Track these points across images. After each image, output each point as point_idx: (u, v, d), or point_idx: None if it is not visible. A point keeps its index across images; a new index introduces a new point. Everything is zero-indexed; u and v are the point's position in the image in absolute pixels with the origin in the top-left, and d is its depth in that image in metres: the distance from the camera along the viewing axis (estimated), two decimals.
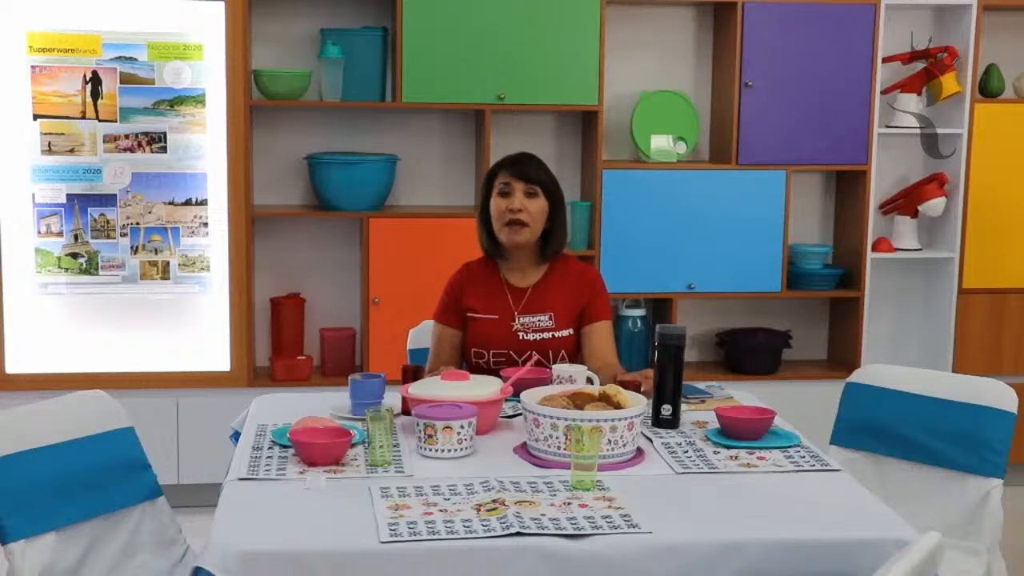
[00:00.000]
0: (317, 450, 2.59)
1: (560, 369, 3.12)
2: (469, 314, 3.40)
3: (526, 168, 3.37)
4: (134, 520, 2.76)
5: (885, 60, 4.96)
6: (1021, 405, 2.99)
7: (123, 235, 4.63)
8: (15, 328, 4.62)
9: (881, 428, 3.10)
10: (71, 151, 4.56)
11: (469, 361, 3.40)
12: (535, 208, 3.34)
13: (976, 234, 5.00)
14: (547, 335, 3.36)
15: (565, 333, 3.38)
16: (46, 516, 2.54)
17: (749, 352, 5.01)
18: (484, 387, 2.92)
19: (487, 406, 2.85)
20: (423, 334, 3.63)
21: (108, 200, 4.60)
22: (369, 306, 4.69)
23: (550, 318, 3.37)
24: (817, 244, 5.16)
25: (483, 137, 4.72)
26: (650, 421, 2.94)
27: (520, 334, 3.36)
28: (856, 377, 3.21)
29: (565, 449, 2.59)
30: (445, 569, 2.17)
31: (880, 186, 5.12)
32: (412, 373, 3.13)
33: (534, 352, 3.28)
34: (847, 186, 5.09)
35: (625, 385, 2.99)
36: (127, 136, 4.58)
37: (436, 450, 2.67)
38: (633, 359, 4.88)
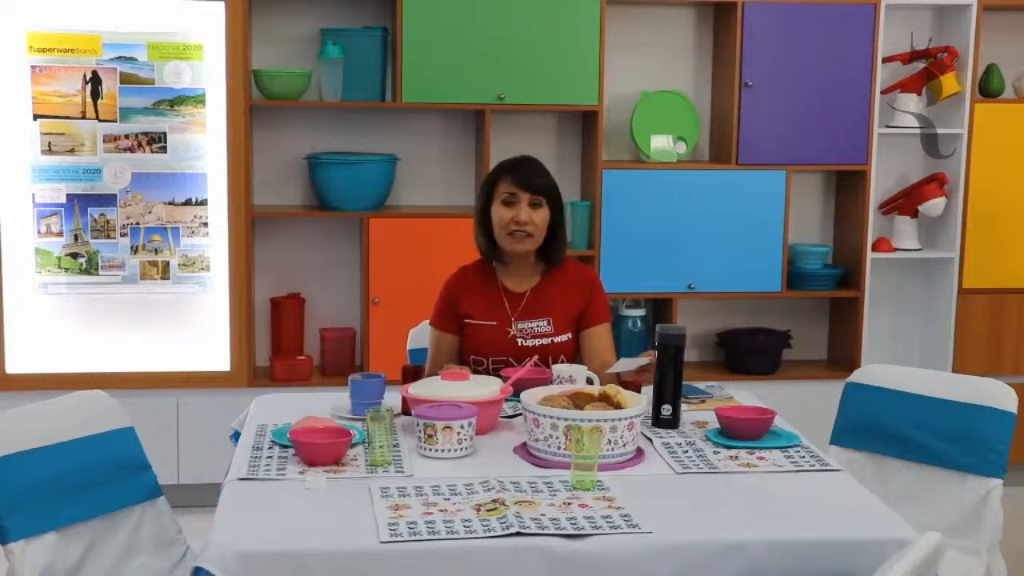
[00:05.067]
0: (317, 450, 2.59)
1: (560, 369, 3.12)
2: (467, 320, 3.38)
3: (531, 176, 3.32)
4: (134, 520, 2.76)
5: (885, 60, 4.96)
6: (1021, 405, 2.99)
7: (123, 235, 4.63)
8: (15, 328, 4.62)
9: (881, 428, 3.10)
10: (71, 151, 4.56)
11: (469, 367, 3.38)
12: (539, 218, 3.31)
13: (976, 234, 5.00)
14: (546, 340, 3.34)
15: (564, 338, 3.36)
16: (46, 516, 2.54)
17: (749, 352, 5.01)
18: (484, 387, 2.92)
19: (487, 406, 2.85)
20: (423, 334, 3.62)
21: (108, 200, 4.60)
22: (369, 306, 4.69)
23: (548, 323, 3.35)
24: (817, 244, 5.16)
25: (483, 137, 4.72)
26: (650, 421, 2.94)
27: (519, 340, 3.34)
28: (856, 377, 3.21)
29: (565, 449, 2.59)
30: (445, 569, 2.18)
31: (880, 186, 5.12)
32: (412, 373, 3.13)
33: (534, 354, 3.26)
34: (847, 186, 5.09)
35: (626, 385, 2.99)
36: (127, 136, 4.58)
37: (436, 450, 2.67)
38: None
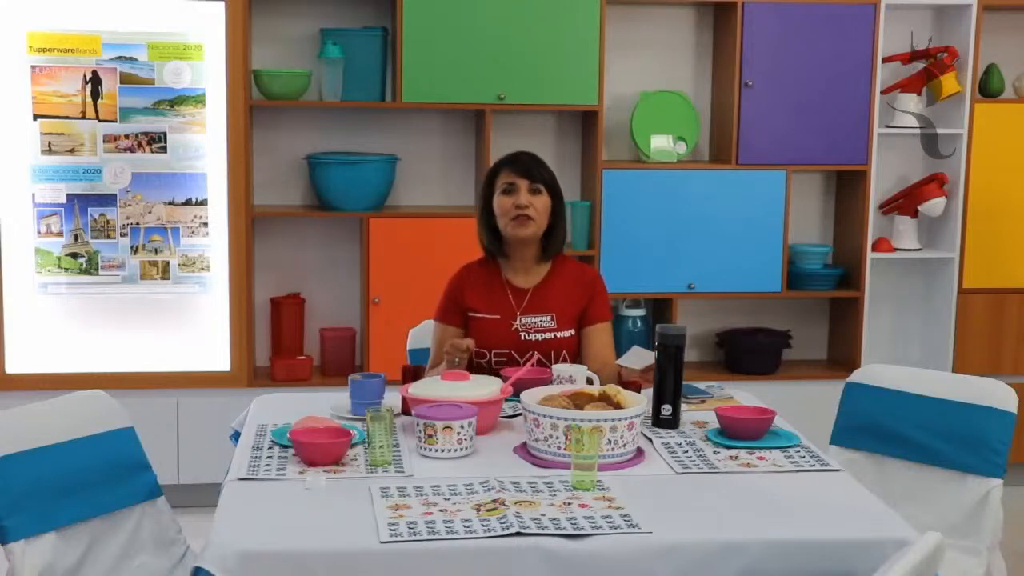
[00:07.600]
0: (317, 450, 2.59)
1: (560, 369, 3.12)
2: (470, 313, 3.40)
3: (529, 166, 3.38)
4: (134, 520, 2.76)
5: (885, 60, 4.96)
6: (1021, 405, 2.99)
7: (123, 235, 4.63)
8: (15, 328, 4.62)
9: (881, 428, 3.10)
10: (71, 151, 4.56)
11: (470, 361, 3.39)
12: (540, 204, 3.35)
13: (976, 234, 5.00)
14: (549, 335, 3.36)
15: (567, 334, 3.37)
16: (46, 516, 2.54)
17: (749, 352, 5.01)
18: (484, 387, 2.92)
19: (487, 406, 2.85)
20: (423, 334, 3.63)
21: (108, 200, 4.60)
22: (369, 306, 4.69)
23: (552, 319, 3.37)
24: (817, 244, 5.16)
25: (483, 137, 4.72)
26: (650, 421, 2.94)
27: (521, 334, 3.35)
28: (856, 377, 3.21)
29: (565, 449, 2.59)
30: (445, 569, 2.18)
31: (880, 186, 5.12)
32: (412, 373, 3.14)
33: (535, 352, 3.28)
34: (847, 186, 5.09)
35: (626, 385, 2.99)
36: (127, 136, 4.58)
37: (436, 450, 2.67)
38: None
